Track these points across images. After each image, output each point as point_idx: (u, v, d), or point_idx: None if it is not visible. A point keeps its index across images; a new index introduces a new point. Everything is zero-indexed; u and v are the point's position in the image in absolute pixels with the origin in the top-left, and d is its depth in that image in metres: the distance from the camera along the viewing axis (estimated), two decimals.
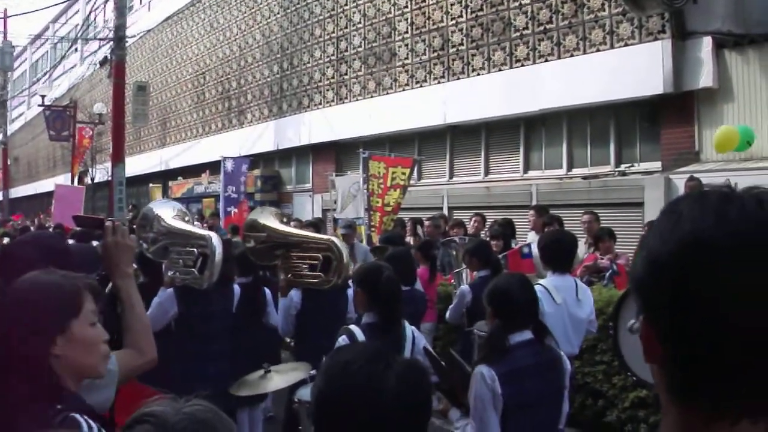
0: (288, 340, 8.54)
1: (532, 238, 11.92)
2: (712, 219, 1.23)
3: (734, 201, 1.25)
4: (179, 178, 31.83)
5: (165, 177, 33.76)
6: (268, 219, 8.42)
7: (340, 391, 2.33)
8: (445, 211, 18.24)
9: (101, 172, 35.20)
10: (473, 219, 14.16)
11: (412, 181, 17.89)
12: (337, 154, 23.69)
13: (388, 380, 2.28)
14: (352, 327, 5.51)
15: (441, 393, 4.77)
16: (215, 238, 7.11)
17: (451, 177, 20.12)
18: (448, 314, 8.92)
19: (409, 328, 5.69)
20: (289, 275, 7.89)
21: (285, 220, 9.37)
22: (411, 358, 2.57)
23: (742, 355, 1.20)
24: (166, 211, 7.72)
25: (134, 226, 7.58)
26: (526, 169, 18.02)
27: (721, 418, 1.23)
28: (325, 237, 9.34)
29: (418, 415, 2.38)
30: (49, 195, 35.09)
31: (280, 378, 5.69)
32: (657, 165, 14.95)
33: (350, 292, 6.77)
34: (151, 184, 32.01)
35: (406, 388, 2.31)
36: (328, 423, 2.39)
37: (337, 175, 19.80)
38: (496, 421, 4.41)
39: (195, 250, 7.07)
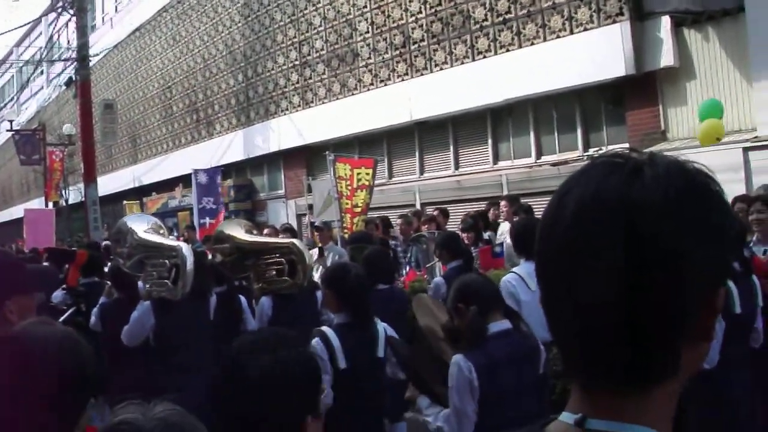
0: None
1: (505, 228, 11.96)
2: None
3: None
4: (153, 193, 31.75)
5: (138, 193, 33.64)
6: (233, 229, 8.51)
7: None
8: (418, 207, 18.18)
9: (75, 193, 35.04)
10: (436, 214, 14.16)
11: (383, 180, 17.89)
12: (308, 158, 23.63)
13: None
14: (325, 328, 5.50)
15: (409, 380, 4.80)
16: (185, 248, 7.18)
17: (421, 173, 20.15)
18: None
19: (381, 325, 5.66)
20: (261, 284, 7.92)
21: (255, 231, 9.40)
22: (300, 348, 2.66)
23: None
24: (140, 225, 7.81)
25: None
26: (496, 159, 18.10)
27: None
28: (285, 240, 9.43)
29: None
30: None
31: None
32: (624, 147, 14.94)
33: (320, 293, 6.79)
34: (125, 201, 31.84)
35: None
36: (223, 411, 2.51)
37: (313, 179, 19.76)
38: (473, 411, 4.40)
39: (167, 261, 7.14)
